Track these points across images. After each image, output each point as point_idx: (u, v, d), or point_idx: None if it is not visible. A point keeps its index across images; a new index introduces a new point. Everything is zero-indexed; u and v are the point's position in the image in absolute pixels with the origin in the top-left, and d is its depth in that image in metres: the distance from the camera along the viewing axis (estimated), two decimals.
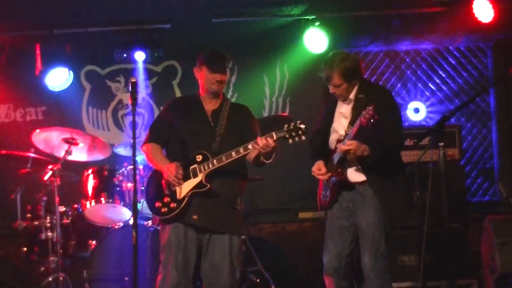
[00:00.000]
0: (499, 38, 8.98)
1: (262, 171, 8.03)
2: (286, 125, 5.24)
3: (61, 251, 7.32)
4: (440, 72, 9.17)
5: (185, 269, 5.48)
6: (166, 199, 5.49)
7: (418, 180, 7.50)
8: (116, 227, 7.38)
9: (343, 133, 5.68)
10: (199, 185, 5.43)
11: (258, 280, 7.83)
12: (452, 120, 8.38)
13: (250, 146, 5.31)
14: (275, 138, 5.23)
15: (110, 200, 7.55)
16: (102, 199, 7.55)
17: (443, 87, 9.14)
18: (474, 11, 8.05)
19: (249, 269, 7.84)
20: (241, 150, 5.35)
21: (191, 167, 5.46)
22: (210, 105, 5.71)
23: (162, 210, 5.50)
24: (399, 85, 9.16)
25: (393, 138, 5.66)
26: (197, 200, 5.45)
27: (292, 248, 8.82)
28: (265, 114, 9.07)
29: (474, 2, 8.01)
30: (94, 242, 7.47)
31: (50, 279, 7.28)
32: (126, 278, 7.06)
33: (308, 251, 8.57)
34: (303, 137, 5.25)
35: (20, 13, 7.98)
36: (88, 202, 7.55)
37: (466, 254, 7.63)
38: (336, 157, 5.71)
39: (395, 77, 9.18)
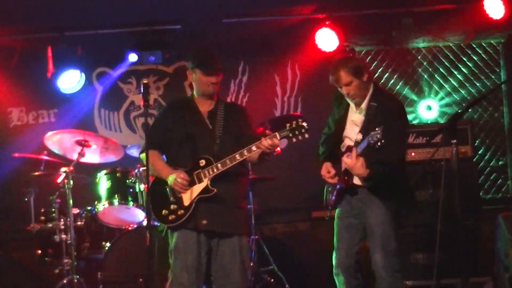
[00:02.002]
0: (511, 35, 8.94)
1: (275, 170, 8.10)
2: (288, 124, 5.24)
3: (75, 253, 7.36)
4: (451, 69, 9.14)
5: (198, 270, 5.47)
6: (173, 207, 5.48)
7: (431, 178, 7.48)
8: (130, 228, 7.40)
9: (353, 140, 5.71)
10: (205, 190, 5.42)
11: (272, 280, 7.82)
12: (464, 117, 8.36)
13: (254, 148, 5.30)
14: (279, 138, 5.24)
15: (123, 202, 7.57)
16: (115, 200, 7.57)
17: (455, 84, 9.11)
18: (485, 7, 8.05)
19: (263, 269, 7.83)
20: (245, 152, 5.33)
21: (195, 172, 5.45)
22: (205, 107, 5.69)
23: (170, 217, 5.49)
24: (410, 83, 9.14)
25: (392, 157, 5.58)
26: (204, 205, 5.45)
27: (305, 247, 8.80)
28: (277, 113, 9.05)
29: None
30: (108, 243, 7.50)
31: (65, 281, 7.30)
32: (141, 280, 7.08)
33: (322, 250, 8.50)
34: (306, 135, 5.25)
35: (31, 16, 8.01)
36: (101, 204, 7.58)
37: (480, 252, 7.58)
38: (343, 164, 5.73)
39: (406, 75, 9.16)
